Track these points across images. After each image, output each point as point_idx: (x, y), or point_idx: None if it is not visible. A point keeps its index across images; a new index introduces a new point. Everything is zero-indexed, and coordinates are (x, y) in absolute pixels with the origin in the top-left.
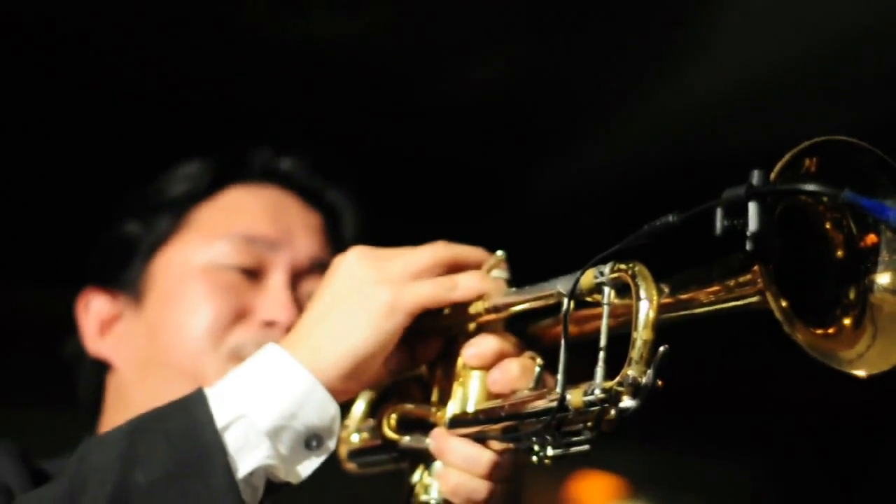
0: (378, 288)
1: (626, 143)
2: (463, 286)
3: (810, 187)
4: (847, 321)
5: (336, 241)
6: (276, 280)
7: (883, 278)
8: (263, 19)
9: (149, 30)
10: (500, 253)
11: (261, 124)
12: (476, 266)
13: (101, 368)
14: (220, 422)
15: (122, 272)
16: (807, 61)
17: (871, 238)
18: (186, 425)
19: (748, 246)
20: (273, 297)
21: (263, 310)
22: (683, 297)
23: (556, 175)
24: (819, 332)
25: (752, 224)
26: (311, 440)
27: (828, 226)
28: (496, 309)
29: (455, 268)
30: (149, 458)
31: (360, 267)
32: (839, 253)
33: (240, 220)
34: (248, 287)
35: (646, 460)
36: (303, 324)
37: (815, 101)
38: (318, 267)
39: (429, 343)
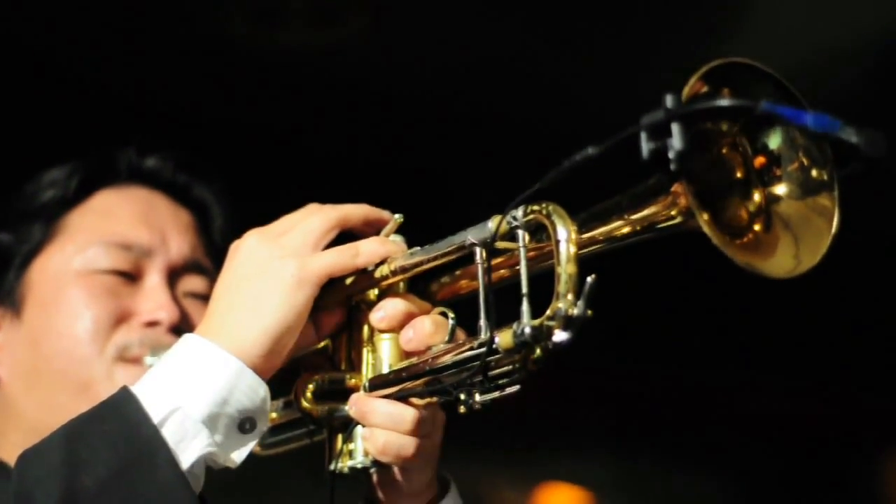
0: (283, 262)
1: None
2: (365, 251)
3: (728, 102)
4: (757, 227)
5: (207, 236)
6: (154, 281)
7: (780, 188)
8: None
9: None
10: (397, 216)
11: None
12: (367, 221)
13: None
14: (155, 417)
15: None
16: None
17: (763, 158)
18: (123, 424)
19: (673, 166)
20: (152, 297)
21: (144, 311)
22: (603, 228)
23: None
24: (739, 242)
25: (677, 143)
26: (245, 423)
27: (724, 150)
28: (403, 270)
29: (348, 228)
30: (92, 461)
31: (260, 246)
32: (738, 174)
33: (112, 226)
34: (127, 290)
35: (611, 471)
36: (215, 310)
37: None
38: (193, 265)
39: (331, 314)
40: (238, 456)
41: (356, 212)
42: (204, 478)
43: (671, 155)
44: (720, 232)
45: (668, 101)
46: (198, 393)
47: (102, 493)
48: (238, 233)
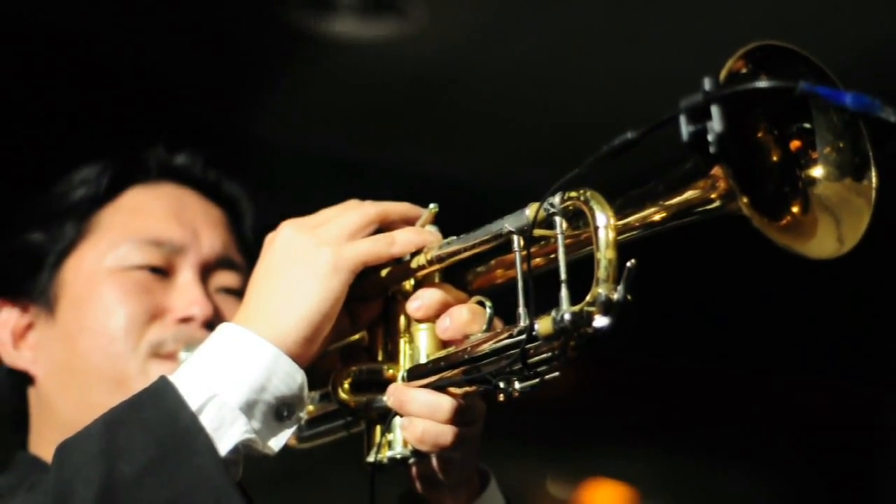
0: (318, 250)
1: None
2: (401, 240)
3: (767, 84)
4: (795, 209)
5: (237, 232)
6: (186, 277)
7: (817, 171)
8: None
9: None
10: (432, 206)
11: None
12: (406, 219)
13: (19, 380)
14: (193, 404)
15: (31, 282)
16: None
17: (798, 141)
18: (162, 412)
19: (713, 148)
20: (185, 293)
21: (178, 307)
22: (640, 213)
23: None
24: (778, 224)
25: (717, 126)
26: (283, 410)
27: (760, 134)
28: (439, 259)
29: (385, 224)
30: (130, 448)
31: (296, 236)
32: (774, 157)
33: (144, 223)
34: (159, 286)
35: (655, 468)
36: (251, 299)
37: None
38: (225, 261)
39: (367, 306)
40: (276, 443)
41: (396, 209)
42: (242, 466)
43: (711, 138)
44: (760, 214)
45: (707, 83)
46: (235, 380)
47: (141, 480)
48: (270, 228)
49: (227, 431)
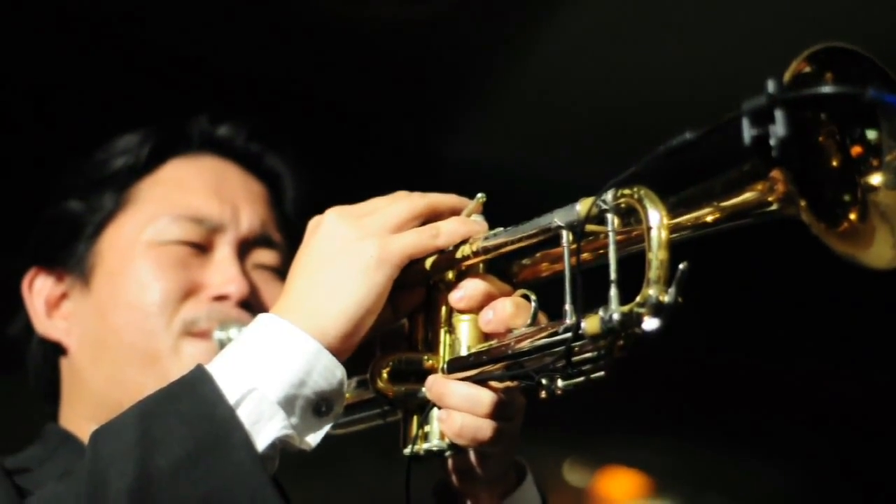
0: (363, 243)
1: None
2: (446, 232)
3: (834, 89)
4: (853, 216)
5: (278, 208)
6: (224, 254)
7: (877, 178)
8: None
9: None
10: (480, 196)
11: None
12: (454, 213)
13: (52, 350)
14: (231, 398)
15: (67, 252)
16: None
17: (860, 147)
18: (199, 404)
19: (775, 153)
20: (222, 270)
21: (213, 284)
22: (694, 213)
23: None
24: (836, 230)
25: (781, 130)
26: (321, 405)
27: (822, 138)
28: (485, 251)
29: (433, 217)
30: (166, 441)
31: (340, 226)
32: (835, 162)
33: (184, 198)
34: (196, 262)
35: (672, 457)
36: (293, 289)
37: None
38: (263, 239)
39: (409, 294)
40: (313, 439)
41: (444, 200)
42: (279, 460)
43: (773, 142)
44: (819, 220)
45: (770, 86)
46: (275, 373)
47: (176, 473)
48: (310, 206)
49: (264, 427)
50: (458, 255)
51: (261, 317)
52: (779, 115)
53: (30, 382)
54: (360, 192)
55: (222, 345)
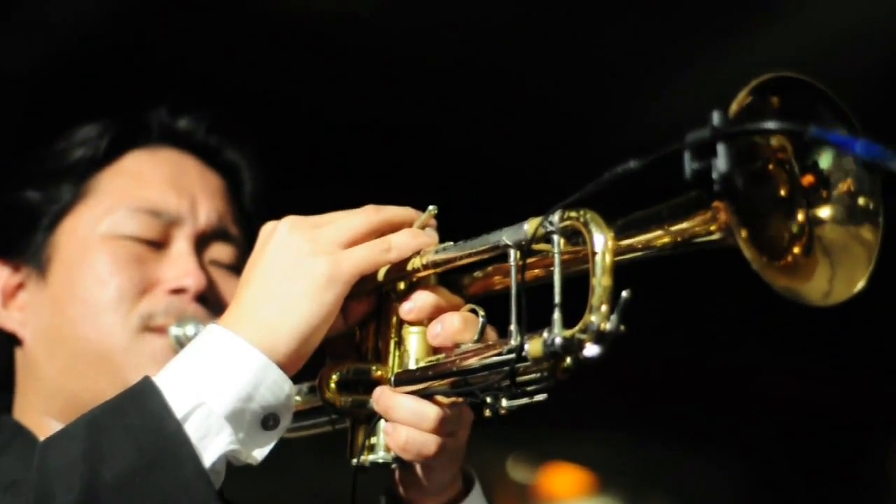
0: (314, 259)
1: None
2: (397, 246)
3: (775, 125)
4: (797, 250)
5: (236, 201)
6: (181, 247)
7: (825, 212)
8: None
9: None
10: (431, 208)
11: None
12: (408, 225)
13: (6, 341)
14: (178, 412)
15: (24, 242)
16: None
17: (811, 177)
18: (146, 418)
19: (716, 187)
20: (179, 264)
21: (170, 278)
22: (639, 238)
23: None
24: (777, 264)
25: (722, 165)
26: (269, 420)
27: (772, 166)
28: (434, 265)
29: (388, 230)
30: (113, 454)
31: (292, 238)
32: (782, 191)
33: (141, 191)
34: (153, 257)
35: (617, 454)
36: (244, 298)
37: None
38: (221, 233)
39: (359, 302)
40: (260, 453)
41: (399, 214)
42: (224, 473)
43: (715, 176)
44: (760, 253)
45: (715, 118)
46: (223, 388)
47: (123, 487)
48: (268, 201)
49: (212, 441)
50: (409, 266)
51: (210, 327)
52: (721, 149)
53: None
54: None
55: (178, 341)
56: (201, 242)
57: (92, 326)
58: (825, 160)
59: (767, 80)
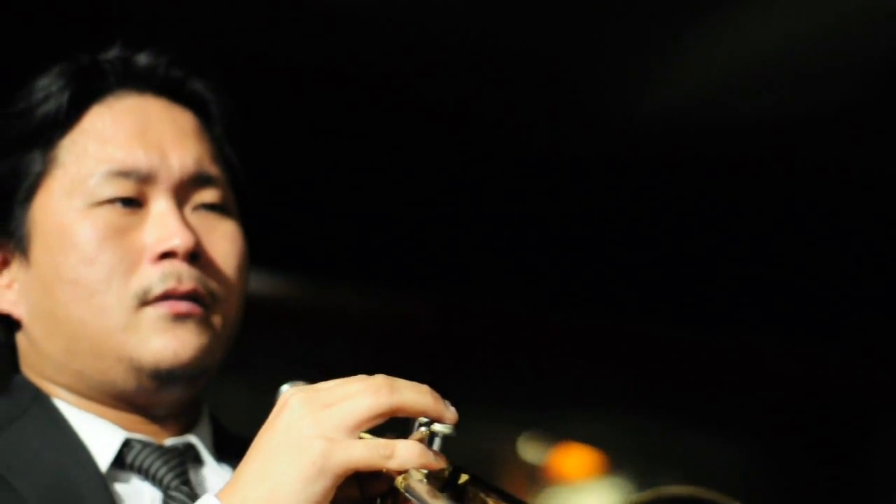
0: (312, 443)
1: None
2: (400, 457)
3: None
4: None
5: (210, 136)
6: (160, 206)
7: None
8: None
9: None
10: (448, 428)
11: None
12: (423, 414)
13: (5, 321)
14: None
15: (2, 219)
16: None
17: None
18: None
19: None
20: (162, 224)
21: (156, 242)
22: None
23: None
24: None
25: None
26: None
27: None
28: (408, 491)
29: (401, 415)
30: None
31: (300, 416)
32: None
33: (106, 152)
34: (133, 221)
35: (626, 434)
36: (243, 473)
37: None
38: (199, 178)
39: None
40: None
41: (416, 401)
42: None
43: None
44: None
45: None
46: None
47: None
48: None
49: None
50: (396, 483)
51: (205, 499)
52: None
53: None
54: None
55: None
56: (180, 193)
57: (87, 309)
58: None
59: None
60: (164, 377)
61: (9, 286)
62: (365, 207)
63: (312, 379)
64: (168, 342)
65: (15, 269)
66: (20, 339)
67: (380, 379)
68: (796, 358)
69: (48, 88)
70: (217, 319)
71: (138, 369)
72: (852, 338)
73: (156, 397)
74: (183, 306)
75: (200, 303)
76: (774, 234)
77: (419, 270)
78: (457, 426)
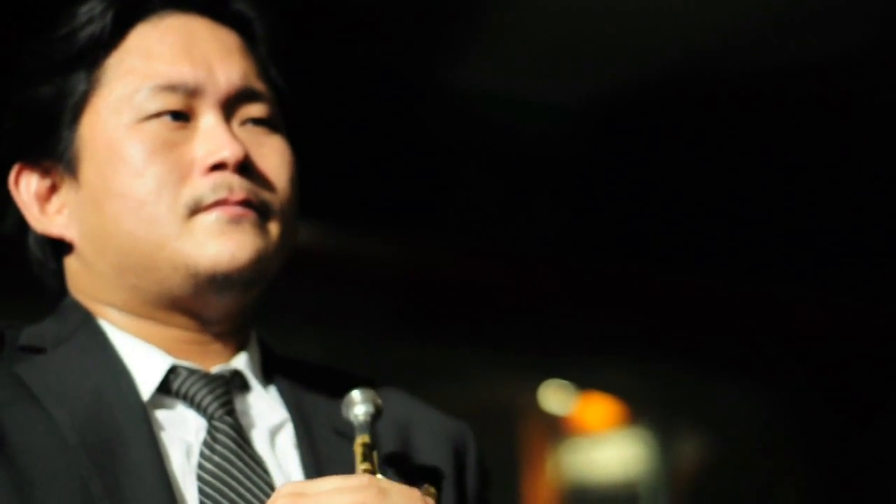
0: None
1: None
2: None
3: None
4: None
5: (255, 54)
6: (209, 119)
7: None
8: None
9: None
10: None
11: None
12: None
13: (52, 246)
14: None
15: (47, 143)
16: None
17: None
18: None
19: None
20: (211, 138)
21: (206, 155)
22: None
23: None
24: None
25: None
26: None
27: None
28: None
29: None
30: None
31: None
32: None
33: (153, 67)
34: (182, 136)
35: (647, 382)
36: None
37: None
38: (246, 93)
39: None
40: None
41: None
42: None
43: None
44: None
45: None
46: None
47: None
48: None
49: None
50: None
51: None
52: None
53: (34, 275)
54: None
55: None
56: (228, 108)
57: (137, 220)
58: None
59: None
60: (221, 282)
61: (59, 211)
62: (388, 154)
63: (334, 329)
64: (225, 245)
65: (64, 193)
66: (70, 263)
67: (370, 490)
68: (821, 307)
69: (92, 11)
70: (272, 226)
71: (195, 275)
72: (882, 289)
73: (212, 304)
74: (238, 210)
75: (254, 209)
76: (802, 181)
77: (440, 218)
78: None
